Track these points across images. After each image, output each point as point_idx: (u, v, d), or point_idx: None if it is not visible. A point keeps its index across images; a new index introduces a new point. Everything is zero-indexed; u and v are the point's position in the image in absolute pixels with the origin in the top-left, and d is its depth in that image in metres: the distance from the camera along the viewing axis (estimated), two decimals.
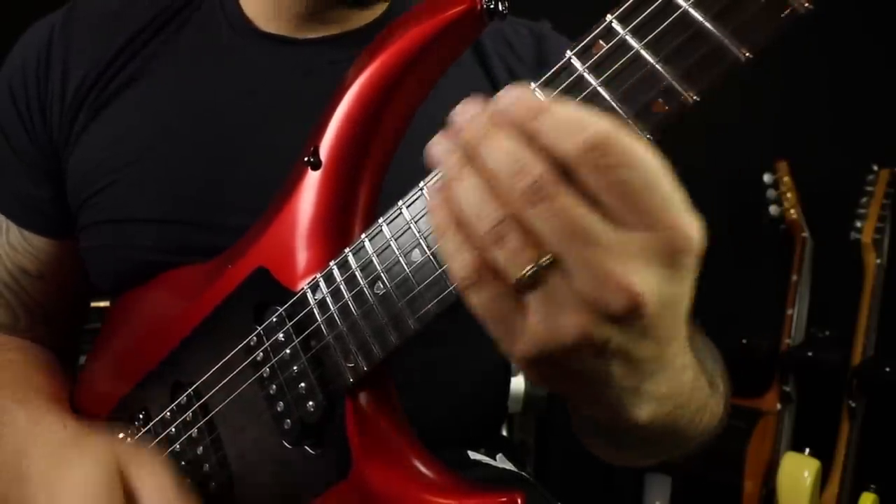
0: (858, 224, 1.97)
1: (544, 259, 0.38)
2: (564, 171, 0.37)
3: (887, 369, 1.90)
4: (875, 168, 2.02)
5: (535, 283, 0.39)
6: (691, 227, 0.37)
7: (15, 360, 0.86)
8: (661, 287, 0.38)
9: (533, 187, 0.37)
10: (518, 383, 1.97)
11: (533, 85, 0.44)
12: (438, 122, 0.64)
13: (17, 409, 0.75)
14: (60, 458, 0.66)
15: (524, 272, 0.38)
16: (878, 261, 1.95)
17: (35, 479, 0.66)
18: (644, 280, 0.37)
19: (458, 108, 0.42)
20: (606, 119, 0.36)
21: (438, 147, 0.43)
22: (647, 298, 0.37)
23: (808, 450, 1.78)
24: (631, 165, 0.36)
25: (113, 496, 0.60)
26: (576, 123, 0.37)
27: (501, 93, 0.40)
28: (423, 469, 0.57)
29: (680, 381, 0.50)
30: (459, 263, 0.41)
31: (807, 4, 0.36)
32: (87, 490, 0.60)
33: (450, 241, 0.41)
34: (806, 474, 1.72)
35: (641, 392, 0.45)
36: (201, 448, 0.67)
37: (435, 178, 0.50)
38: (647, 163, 0.36)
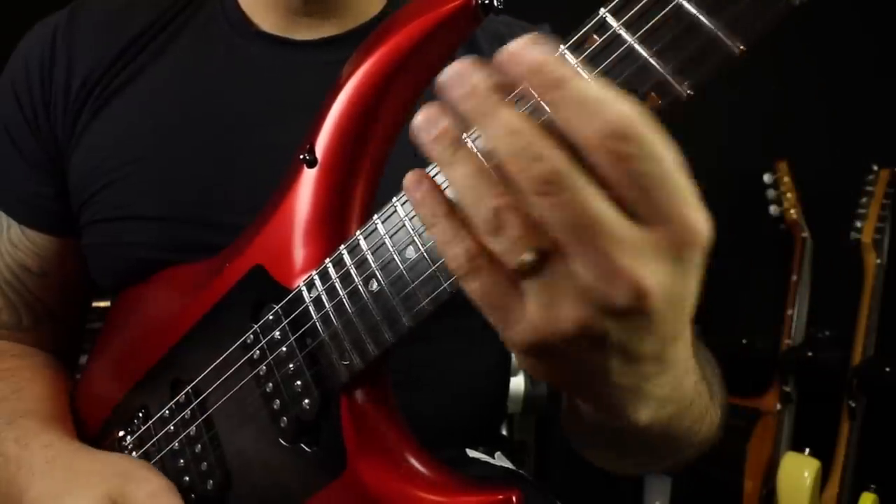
0: (858, 224, 1.96)
1: (547, 248, 0.36)
2: (576, 152, 0.35)
3: (887, 369, 1.89)
4: (875, 168, 2.01)
5: (535, 272, 0.37)
6: (702, 222, 0.36)
7: (12, 367, 0.86)
8: (668, 282, 0.36)
9: (546, 177, 0.34)
10: (518, 383, 1.96)
11: None
12: None
13: (6, 431, 0.75)
14: (56, 490, 0.65)
15: (524, 260, 0.37)
16: (878, 261, 1.95)
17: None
18: (652, 275, 0.35)
19: (451, 71, 0.37)
20: (626, 101, 0.34)
21: (426, 122, 0.39)
22: (653, 294, 0.36)
23: (808, 450, 1.78)
24: (652, 157, 0.34)
25: None
26: (596, 104, 0.34)
27: (508, 50, 0.36)
28: (418, 467, 0.57)
29: (682, 385, 0.48)
30: (454, 252, 0.39)
31: None
32: None
33: (441, 229, 0.40)
34: (806, 474, 1.72)
35: (642, 392, 0.44)
36: (199, 446, 0.67)
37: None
38: (668, 155, 0.35)
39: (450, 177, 0.38)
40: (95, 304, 1.01)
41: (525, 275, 0.37)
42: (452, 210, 0.39)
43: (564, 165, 0.34)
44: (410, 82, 0.58)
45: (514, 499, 0.51)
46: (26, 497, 0.67)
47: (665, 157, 0.35)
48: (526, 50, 0.35)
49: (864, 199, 1.99)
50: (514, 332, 0.40)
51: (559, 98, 0.34)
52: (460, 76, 0.37)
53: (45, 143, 0.84)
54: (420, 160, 0.50)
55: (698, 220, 0.36)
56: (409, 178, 0.42)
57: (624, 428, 0.48)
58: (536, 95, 0.35)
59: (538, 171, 0.34)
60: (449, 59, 0.58)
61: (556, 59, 0.35)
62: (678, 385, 0.47)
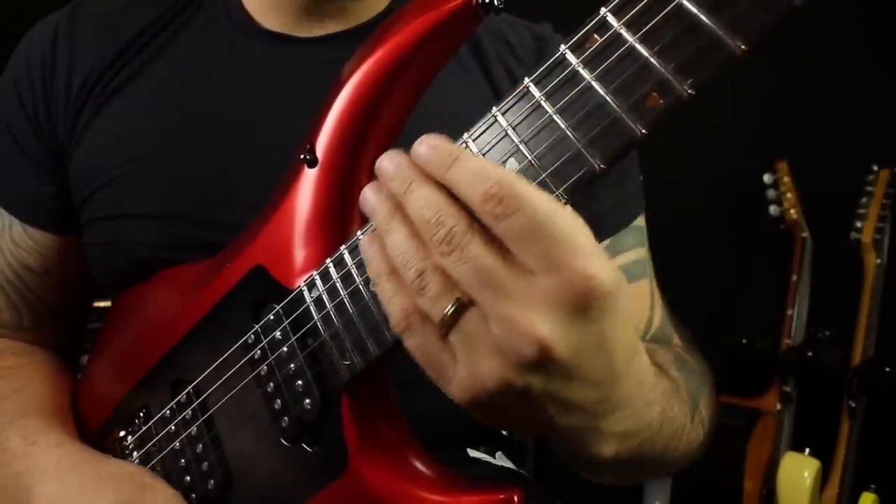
0: (858, 224, 1.96)
1: (463, 302, 0.41)
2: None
3: (887, 369, 1.89)
4: (875, 168, 2.02)
5: (456, 326, 0.41)
6: (596, 269, 0.38)
7: (12, 366, 0.86)
8: (568, 332, 0.38)
9: (446, 237, 0.40)
10: None
11: (527, 80, 0.44)
12: (438, 121, 0.64)
13: (10, 430, 0.75)
14: (67, 494, 0.65)
15: (444, 312, 0.41)
16: (878, 261, 1.95)
17: None
18: (549, 326, 0.38)
19: (384, 156, 0.45)
20: (505, 169, 0.40)
21: (370, 197, 0.46)
22: (554, 344, 0.38)
23: (808, 450, 1.78)
24: (526, 213, 0.38)
25: None
26: (480, 174, 0.39)
27: (418, 142, 0.43)
28: (420, 466, 0.57)
29: (644, 418, 0.50)
30: (392, 309, 0.44)
31: None
32: None
33: (383, 288, 0.45)
34: (806, 474, 1.72)
35: (599, 430, 0.46)
36: (201, 446, 0.67)
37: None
38: (540, 207, 0.38)
39: (387, 242, 0.44)
40: (95, 304, 1.01)
41: (448, 328, 0.42)
42: (394, 271, 0.44)
43: (461, 228, 0.40)
44: (412, 81, 0.58)
45: (515, 498, 0.51)
46: (34, 494, 0.67)
47: (538, 210, 0.38)
48: (421, 144, 0.43)
49: (864, 199, 1.99)
50: (450, 387, 0.44)
51: (454, 172, 0.41)
52: (390, 159, 0.45)
53: (46, 141, 0.84)
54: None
55: (589, 267, 0.38)
56: (364, 240, 0.48)
57: (590, 460, 0.49)
58: (438, 177, 0.42)
59: (441, 234, 0.41)
60: (451, 57, 0.58)
61: (445, 143, 0.42)
62: (639, 418, 0.49)
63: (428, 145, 0.43)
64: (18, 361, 0.86)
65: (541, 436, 0.50)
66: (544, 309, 0.38)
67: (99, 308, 1.27)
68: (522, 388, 0.41)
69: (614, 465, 0.52)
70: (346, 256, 0.56)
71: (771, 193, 2.12)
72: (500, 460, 0.86)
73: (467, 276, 0.40)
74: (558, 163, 0.42)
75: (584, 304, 0.38)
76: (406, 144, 0.60)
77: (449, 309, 0.41)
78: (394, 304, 0.44)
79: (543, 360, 0.39)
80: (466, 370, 0.42)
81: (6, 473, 0.71)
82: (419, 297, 0.42)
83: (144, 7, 0.85)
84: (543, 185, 0.43)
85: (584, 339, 0.39)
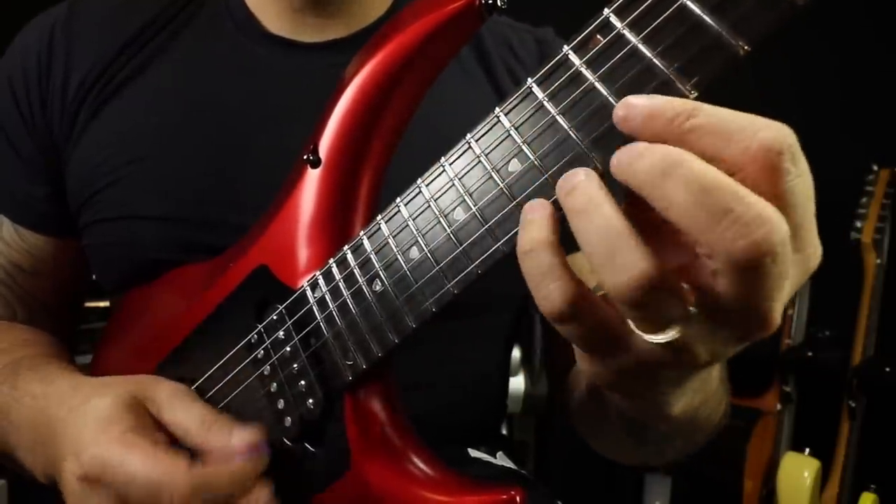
0: (858, 224, 1.96)
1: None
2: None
3: (887, 369, 1.89)
4: (875, 168, 2.01)
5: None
6: (819, 243, 0.36)
7: (16, 328, 0.87)
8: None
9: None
10: (518, 383, 1.97)
11: (530, 81, 0.44)
12: (440, 122, 0.64)
13: (29, 373, 0.74)
14: (77, 401, 0.63)
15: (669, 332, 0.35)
16: (878, 261, 1.95)
17: (58, 430, 0.63)
18: (780, 305, 0.35)
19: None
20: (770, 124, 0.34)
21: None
22: (777, 321, 0.35)
23: (808, 450, 1.78)
24: (804, 175, 0.34)
25: (139, 417, 0.59)
26: (739, 124, 0.34)
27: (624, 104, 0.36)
28: (422, 466, 0.57)
29: (711, 375, 0.48)
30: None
31: None
32: (110, 414, 0.58)
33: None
34: (806, 474, 1.72)
35: (683, 383, 0.44)
36: None
37: (433, 175, 0.50)
38: (809, 173, 0.34)
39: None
40: (95, 304, 1.01)
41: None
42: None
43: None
44: (414, 82, 0.58)
45: (518, 498, 0.51)
46: (58, 418, 0.65)
47: (809, 176, 0.34)
48: (639, 100, 0.35)
49: (864, 199, 1.98)
50: (615, 360, 0.38)
51: (695, 125, 0.34)
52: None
53: (39, 140, 0.83)
54: (423, 160, 0.50)
55: (818, 241, 0.36)
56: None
57: (655, 417, 0.47)
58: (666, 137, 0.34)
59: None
60: (454, 58, 0.58)
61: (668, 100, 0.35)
62: (709, 374, 0.47)
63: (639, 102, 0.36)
64: (9, 326, 0.88)
65: (625, 392, 0.45)
66: (787, 287, 0.35)
67: (99, 308, 1.28)
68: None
69: (669, 429, 0.50)
70: (349, 256, 0.56)
71: None
72: (501, 460, 0.86)
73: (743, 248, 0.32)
74: (561, 163, 0.42)
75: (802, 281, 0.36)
76: (408, 146, 0.60)
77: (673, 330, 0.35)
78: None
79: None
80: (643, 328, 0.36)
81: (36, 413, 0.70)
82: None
83: (146, 3, 0.84)
84: (547, 185, 0.43)
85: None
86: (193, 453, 0.58)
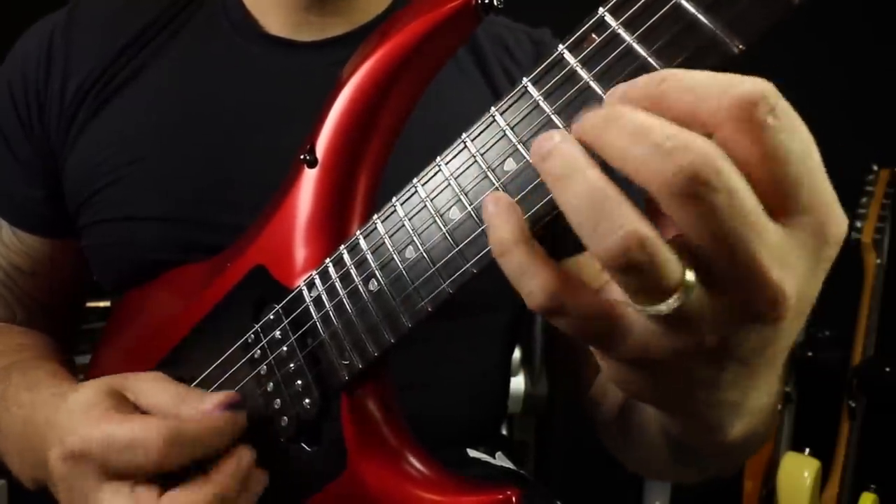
0: (858, 224, 1.96)
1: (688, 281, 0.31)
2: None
3: (887, 369, 1.89)
4: (875, 168, 2.01)
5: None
6: (842, 212, 0.32)
7: (12, 332, 0.87)
8: (803, 285, 0.33)
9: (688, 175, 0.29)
10: (518, 383, 1.96)
11: (526, 80, 0.44)
12: (437, 122, 0.64)
13: (20, 382, 0.74)
14: (60, 402, 0.64)
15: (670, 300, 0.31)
16: (878, 261, 1.95)
17: (44, 433, 0.64)
18: (793, 278, 0.32)
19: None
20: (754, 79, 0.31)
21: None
22: (790, 298, 0.32)
23: (808, 450, 1.78)
24: (793, 129, 0.31)
25: (119, 402, 0.59)
26: (717, 82, 0.31)
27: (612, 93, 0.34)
28: (418, 466, 0.57)
29: (773, 393, 0.43)
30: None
31: None
32: (90, 399, 0.59)
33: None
34: (806, 474, 1.72)
35: (743, 406, 0.40)
36: None
37: (428, 175, 0.50)
38: (805, 129, 0.31)
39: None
40: (95, 304, 1.02)
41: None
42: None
43: (712, 150, 0.29)
44: (412, 81, 0.58)
45: (513, 498, 0.51)
46: (43, 422, 0.66)
47: (804, 131, 0.31)
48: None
49: (864, 199, 1.98)
50: (620, 349, 0.36)
51: (666, 88, 0.32)
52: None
53: (37, 145, 0.84)
54: (420, 160, 0.50)
55: (839, 208, 0.32)
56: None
57: (710, 443, 0.44)
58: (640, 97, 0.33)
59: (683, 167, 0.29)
60: (450, 58, 0.58)
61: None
62: (771, 394, 0.42)
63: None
64: (8, 329, 0.88)
65: (678, 413, 0.41)
66: (793, 258, 0.32)
67: (99, 308, 1.28)
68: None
69: (721, 452, 0.46)
70: (346, 256, 0.56)
71: None
72: (500, 460, 0.86)
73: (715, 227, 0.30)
74: None
75: (825, 256, 0.33)
76: (406, 145, 0.60)
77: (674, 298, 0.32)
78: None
79: (771, 317, 0.32)
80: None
81: (21, 422, 0.70)
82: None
83: (145, 6, 0.84)
84: (542, 184, 0.43)
85: (809, 294, 0.34)
86: None
